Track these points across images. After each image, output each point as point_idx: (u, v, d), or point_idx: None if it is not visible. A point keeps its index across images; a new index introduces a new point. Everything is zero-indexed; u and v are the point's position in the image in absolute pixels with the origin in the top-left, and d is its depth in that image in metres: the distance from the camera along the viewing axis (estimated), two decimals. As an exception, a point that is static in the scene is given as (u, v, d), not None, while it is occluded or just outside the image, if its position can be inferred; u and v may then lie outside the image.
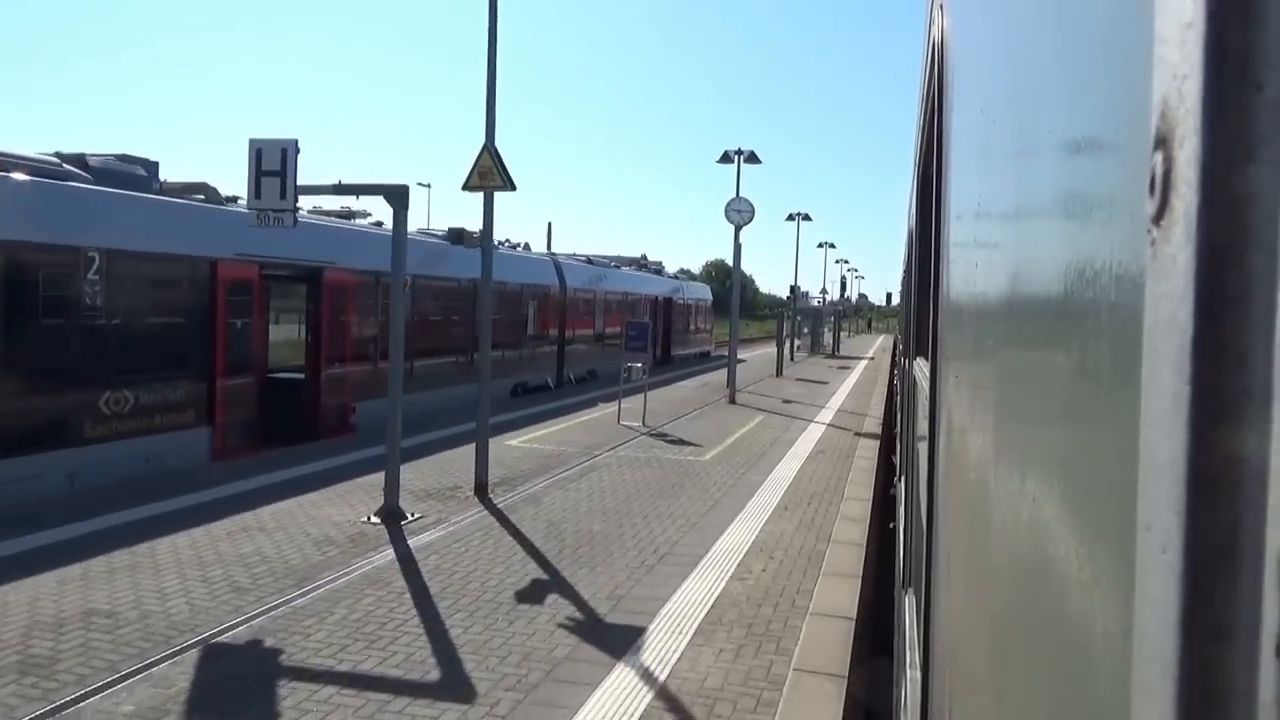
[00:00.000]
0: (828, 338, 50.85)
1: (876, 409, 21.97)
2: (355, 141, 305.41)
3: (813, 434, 17.25)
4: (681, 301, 40.70)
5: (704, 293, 46.10)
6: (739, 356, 40.65)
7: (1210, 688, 0.32)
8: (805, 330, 48.84)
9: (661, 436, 16.23)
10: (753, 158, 24.19)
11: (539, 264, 26.40)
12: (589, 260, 31.48)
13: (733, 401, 22.31)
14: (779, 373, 31.32)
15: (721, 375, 26.81)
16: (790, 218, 40.44)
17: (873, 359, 44.82)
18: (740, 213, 23.92)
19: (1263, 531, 0.30)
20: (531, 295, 24.86)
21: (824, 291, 60.33)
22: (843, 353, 49.90)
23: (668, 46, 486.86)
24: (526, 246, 27.22)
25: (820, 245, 56.97)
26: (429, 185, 56.62)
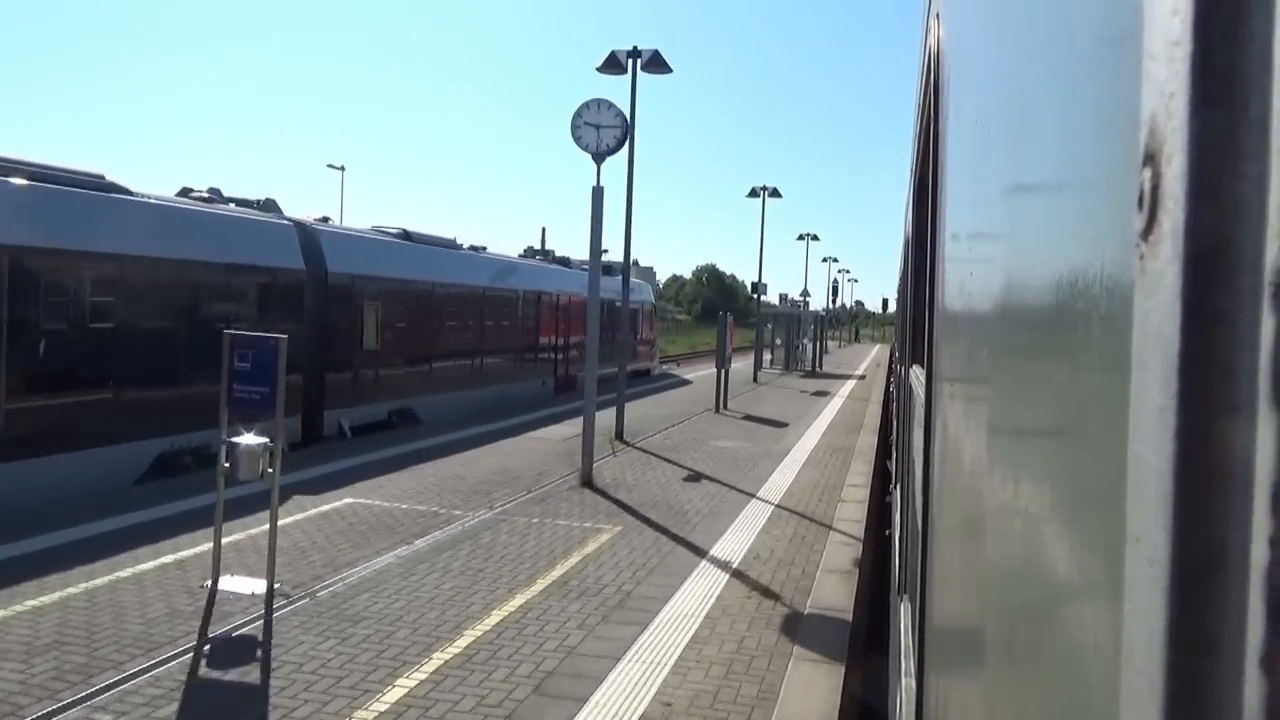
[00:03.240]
0: (810, 350, 39.65)
1: (854, 507, 10.90)
2: (264, 120, 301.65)
3: (689, 615, 7.03)
4: (611, 303, 26.54)
5: (641, 293, 33.17)
6: (685, 377, 29.56)
7: (1197, 700, 0.32)
8: (778, 341, 38.87)
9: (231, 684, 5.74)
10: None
11: (256, 230, 14.91)
12: (405, 236, 19.72)
13: (587, 484, 11.53)
14: (720, 405, 20.76)
15: (639, 409, 17.94)
16: (754, 193, 30.30)
17: (863, 378, 33.35)
18: (599, 129, 12.64)
19: (1248, 545, 0.31)
20: (232, 283, 14.19)
21: (805, 293, 48.84)
22: (827, 368, 38.52)
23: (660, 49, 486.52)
24: (269, 204, 16.22)
25: (800, 237, 47.87)
26: (342, 168, 46.83)
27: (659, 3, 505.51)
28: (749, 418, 19.92)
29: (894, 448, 10.35)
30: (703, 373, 32.40)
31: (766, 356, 36.26)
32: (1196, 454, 0.33)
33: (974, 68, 1.40)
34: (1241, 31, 0.32)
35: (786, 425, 18.83)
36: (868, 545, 9.69)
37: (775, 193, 30.50)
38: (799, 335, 39.10)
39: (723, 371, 21.06)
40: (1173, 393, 0.33)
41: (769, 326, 39.04)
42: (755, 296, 37.01)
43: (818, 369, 38.00)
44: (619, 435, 15.77)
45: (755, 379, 29.89)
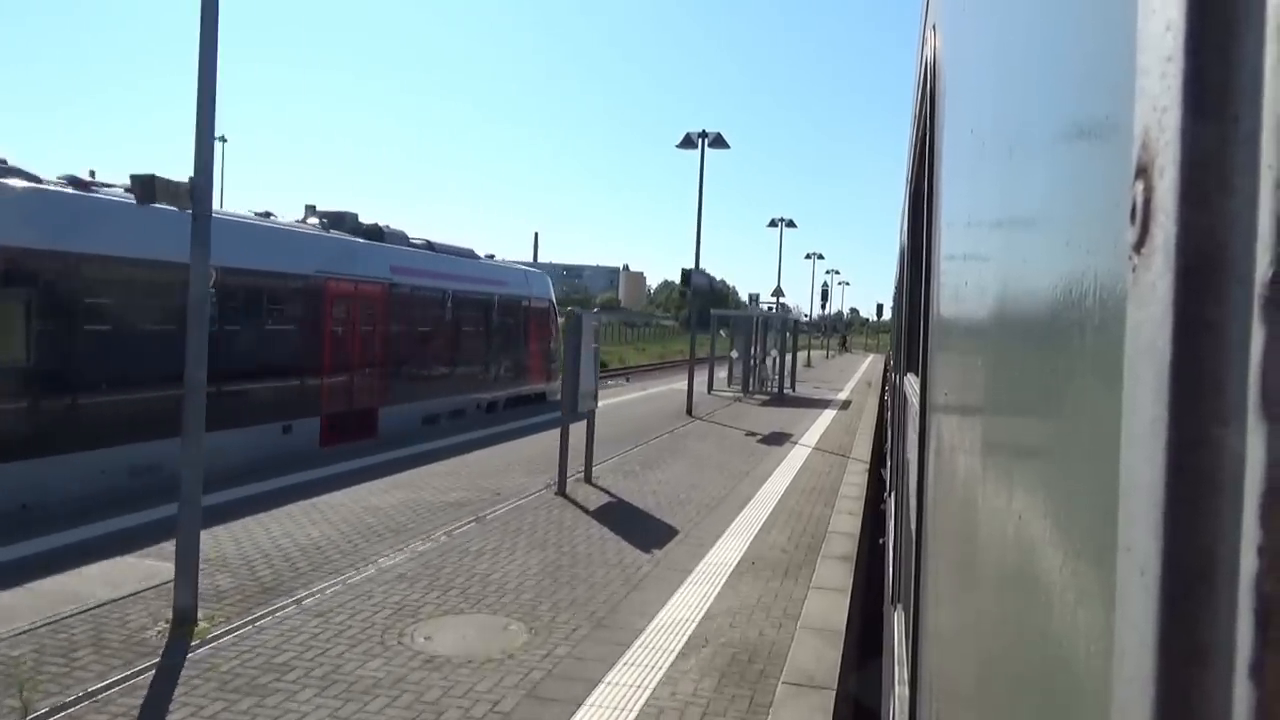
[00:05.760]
0: (776, 367, 28.02)
1: None
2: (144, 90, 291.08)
3: None
4: (459, 298, 18.66)
5: (532, 286, 22.91)
6: (596, 405, 11.61)
7: (1187, 708, 0.32)
8: (734, 353, 28.63)
9: None
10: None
11: None
12: None
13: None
14: (577, 478, 11.17)
15: (420, 486, 10.37)
16: (689, 141, 20.77)
17: (847, 406, 23.72)
18: None
19: (1238, 554, 0.31)
20: None
21: (778, 294, 38.91)
22: (803, 388, 28.53)
23: (657, 58, 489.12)
24: None
25: (773, 223, 37.84)
26: (223, 139, 41.14)
27: (655, 3, 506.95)
28: (615, 507, 10.18)
29: (888, 455, 10.36)
30: (653, 389, 24.46)
31: (721, 374, 27.60)
32: (1187, 464, 0.33)
33: (970, 79, 1.40)
34: (1233, 47, 0.32)
35: (675, 536, 8.96)
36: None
37: (719, 141, 21.02)
38: (761, 345, 27.65)
39: (579, 418, 11.11)
40: (1164, 403, 0.34)
41: (722, 334, 29.33)
42: (685, 292, 25.49)
43: (787, 391, 27.39)
44: (180, 619, 5.93)
45: (689, 411, 19.61)
